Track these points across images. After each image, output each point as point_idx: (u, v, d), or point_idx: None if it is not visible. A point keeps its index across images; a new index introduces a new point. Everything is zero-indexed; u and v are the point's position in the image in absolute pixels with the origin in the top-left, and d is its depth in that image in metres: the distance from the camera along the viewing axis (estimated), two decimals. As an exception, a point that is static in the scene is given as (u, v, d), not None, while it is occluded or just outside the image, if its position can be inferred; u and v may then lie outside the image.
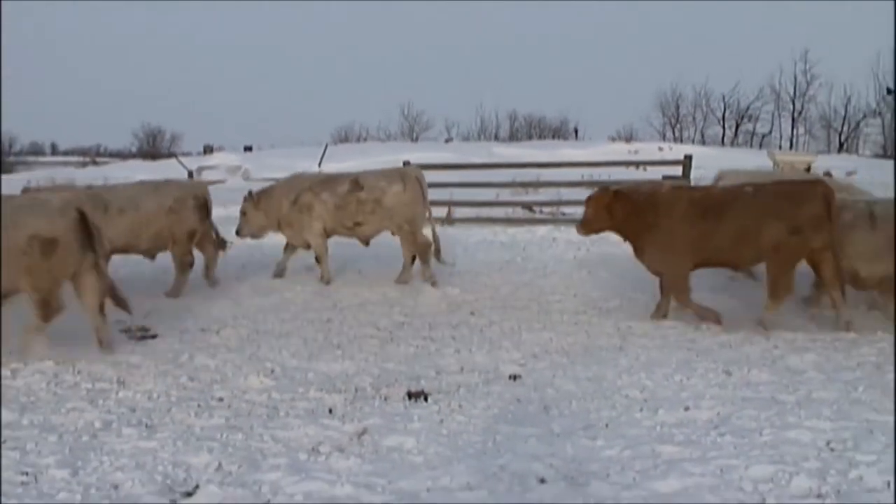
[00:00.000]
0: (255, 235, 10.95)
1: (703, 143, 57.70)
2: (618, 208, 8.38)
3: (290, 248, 10.80)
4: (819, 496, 4.16)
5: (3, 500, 4.20)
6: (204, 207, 9.99)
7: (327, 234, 10.51)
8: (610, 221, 8.46)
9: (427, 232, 10.41)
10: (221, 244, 10.51)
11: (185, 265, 9.83)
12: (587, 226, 8.63)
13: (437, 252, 10.35)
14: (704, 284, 8.87)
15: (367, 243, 10.66)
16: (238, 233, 10.88)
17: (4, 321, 6.89)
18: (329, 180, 10.67)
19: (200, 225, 9.94)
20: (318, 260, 10.51)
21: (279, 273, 10.64)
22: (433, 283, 9.99)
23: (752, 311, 8.15)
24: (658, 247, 8.26)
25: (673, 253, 8.17)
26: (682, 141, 58.66)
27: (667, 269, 8.31)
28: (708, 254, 8.14)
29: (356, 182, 10.32)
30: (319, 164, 28.36)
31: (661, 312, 8.35)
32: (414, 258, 10.34)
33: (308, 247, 10.61)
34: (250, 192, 10.86)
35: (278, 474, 4.50)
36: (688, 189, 9.40)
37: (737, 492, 4.22)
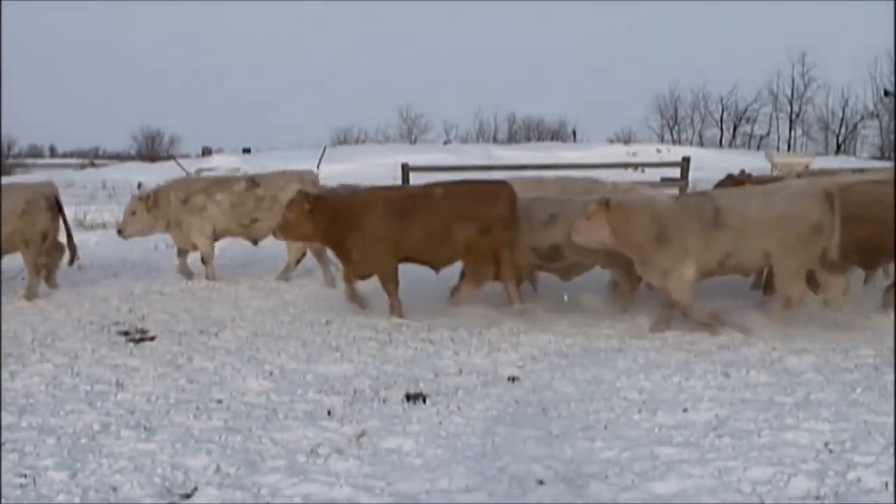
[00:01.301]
0: (137, 236, 10.96)
1: (702, 144, 57.80)
2: (318, 214, 8.41)
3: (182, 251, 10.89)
4: (817, 498, 4.17)
5: (3, 501, 4.20)
6: (55, 208, 9.90)
7: (219, 235, 10.78)
8: (312, 227, 8.48)
9: None
10: (73, 251, 10.20)
11: (38, 267, 9.77)
12: (287, 231, 8.65)
13: None
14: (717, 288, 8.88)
15: (256, 243, 10.96)
16: (120, 232, 10.81)
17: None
18: (223, 181, 11.00)
19: (52, 225, 9.88)
20: (203, 261, 10.69)
21: (183, 272, 10.76)
22: (332, 285, 10.17)
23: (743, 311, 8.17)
24: (362, 248, 8.40)
25: (376, 253, 8.37)
26: (680, 143, 58.77)
27: (373, 270, 8.53)
28: (408, 253, 8.51)
29: (252, 181, 10.63)
30: (318, 166, 28.33)
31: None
32: (299, 260, 10.70)
33: (195, 248, 10.73)
34: (141, 192, 10.87)
35: (277, 476, 4.51)
36: (385, 190, 9.50)
37: (735, 493, 4.23)
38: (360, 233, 8.38)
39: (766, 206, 7.74)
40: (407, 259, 8.66)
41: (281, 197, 10.24)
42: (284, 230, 8.62)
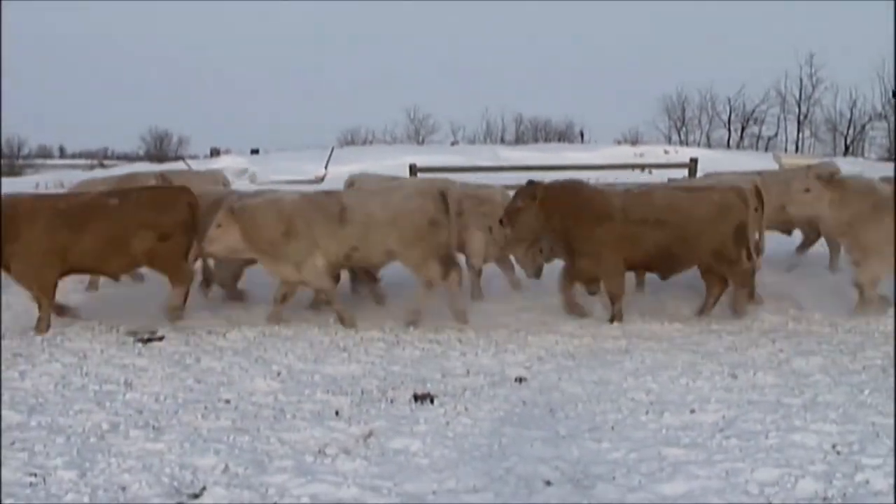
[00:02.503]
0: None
1: (709, 146, 57.57)
2: None
3: None
4: (825, 499, 4.17)
5: (13, 501, 4.22)
6: None
7: None
8: None
9: None
10: None
11: None
12: None
13: None
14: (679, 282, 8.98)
15: None
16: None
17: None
18: (130, 179, 10.76)
19: None
20: None
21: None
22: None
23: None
24: (23, 258, 8.02)
25: (36, 264, 8.03)
26: (687, 144, 58.49)
27: (30, 284, 8.15)
28: (74, 263, 8.24)
29: (163, 177, 10.51)
30: (326, 167, 28.38)
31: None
32: None
33: None
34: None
35: (285, 476, 4.52)
36: (51, 199, 9.07)
37: (742, 495, 4.23)
38: (19, 243, 7.95)
39: (385, 204, 8.30)
40: (74, 270, 8.44)
41: None
42: None
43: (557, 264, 9.16)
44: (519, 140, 65.37)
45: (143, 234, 8.21)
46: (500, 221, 8.66)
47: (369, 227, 8.18)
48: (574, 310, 8.63)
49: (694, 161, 15.49)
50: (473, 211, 9.49)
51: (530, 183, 8.55)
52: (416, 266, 8.31)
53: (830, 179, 8.35)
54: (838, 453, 4.72)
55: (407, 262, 8.35)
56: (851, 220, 8.27)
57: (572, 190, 8.59)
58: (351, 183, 10.66)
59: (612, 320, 8.32)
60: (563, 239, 8.51)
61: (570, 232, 8.38)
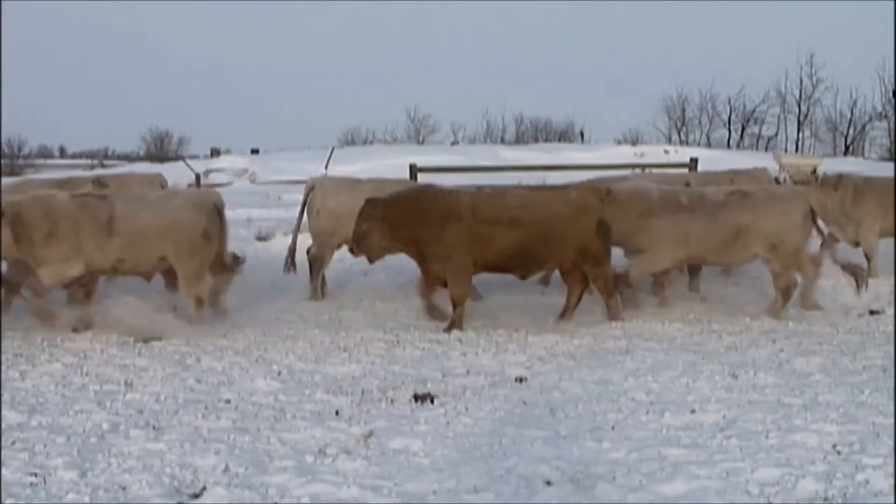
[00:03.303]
0: None
1: (709, 145, 57.45)
2: None
3: None
4: (825, 499, 4.16)
5: (13, 501, 4.22)
6: None
7: None
8: None
9: None
10: None
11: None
12: None
13: None
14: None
15: None
16: None
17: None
18: (68, 182, 10.60)
19: None
20: None
21: None
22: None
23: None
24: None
25: None
26: (687, 144, 58.42)
27: None
28: None
29: (100, 181, 10.39)
30: (326, 167, 28.32)
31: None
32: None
33: None
34: None
35: (285, 476, 4.52)
36: None
37: (743, 495, 4.23)
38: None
39: (158, 213, 8.16)
40: None
41: None
42: None
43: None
44: (519, 140, 65.27)
45: None
46: (351, 250, 8.49)
47: (137, 239, 8.03)
48: (433, 314, 8.57)
49: (694, 161, 15.50)
50: None
51: (369, 203, 8.36)
52: (188, 280, 8.18)
53: (608, 194, 8.71)
54: (839, 453, 4.72)
55: (181, 272, 8.19)
56: (623, 230, 8.57)
57: (414, 196, 8.48)
58: (311, 187, 10.30)
59: (448, 329, 8.12)
60: (413, 246, 8.32)
61: (418, 237, 8.20)
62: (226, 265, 8.63)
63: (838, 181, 10.57)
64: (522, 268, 8.53)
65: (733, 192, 8.97)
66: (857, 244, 10.58)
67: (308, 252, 9.83)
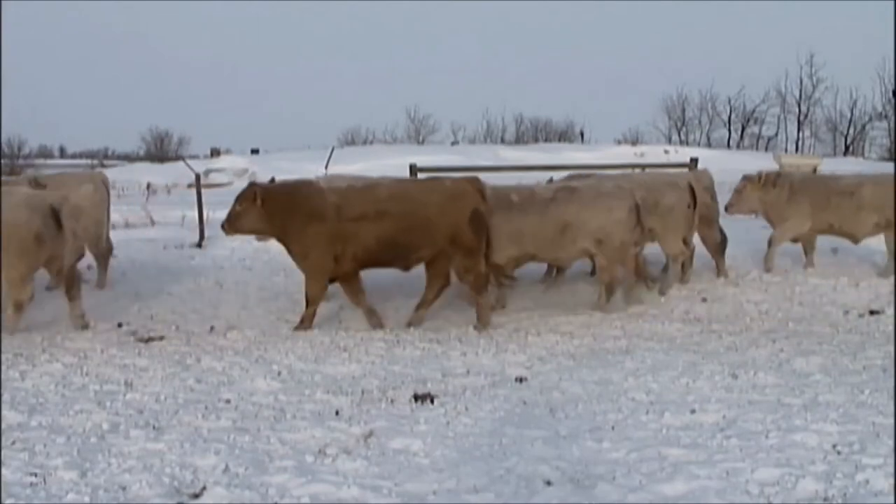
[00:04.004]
0: None
1: (709, 145, 57.52)
2: None
3: None
4: (825, 499, 4.16)
5: (13, 501, 4.22)
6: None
7: None
8: None
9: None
10: None
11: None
12: None
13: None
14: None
15: None
16: None
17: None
18: (5, 183, 10.54)
19: None
20: None
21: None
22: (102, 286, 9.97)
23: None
24: None
25: None
26: (687, 144, 58.46)
27: None
28: None
29: (37, 181, 10.18)
30: (326, 167, 28.32)
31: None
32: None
33: None
34: None
35: (285, 476, 4.52)
36: None
37: (743, 495, 4.22)
38: None
39: None
40: None
41: (71, 198, 9.53)
42: None
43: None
44: (519, 140, 65.31)
45: None
46: (222, 226, 8.56)
47: None
48: (372, 320, 8.54)
49: (694, 161, 15.45)
50: None
51: (251, 185, 8.48)
52: (13, 283, 7.84)
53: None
54: (839, 453, 4.72)
55: (4, 276, 7.86)
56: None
57: (290, 190, 8.50)
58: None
59: (297, 328, 8.23)
60: (280, 238, 8.44)
61: (285, 231, 8.32)
62: (71, 276, 8.27)
63: (777, 179, 10.91)
64: (398, 260, 8.48)
65: (561, 189, 9.19)
66: (795, 240, 10.85)
67: None
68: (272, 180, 8.92)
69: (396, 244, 8.30)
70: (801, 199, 10.65)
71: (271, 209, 8.26)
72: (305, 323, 8.29)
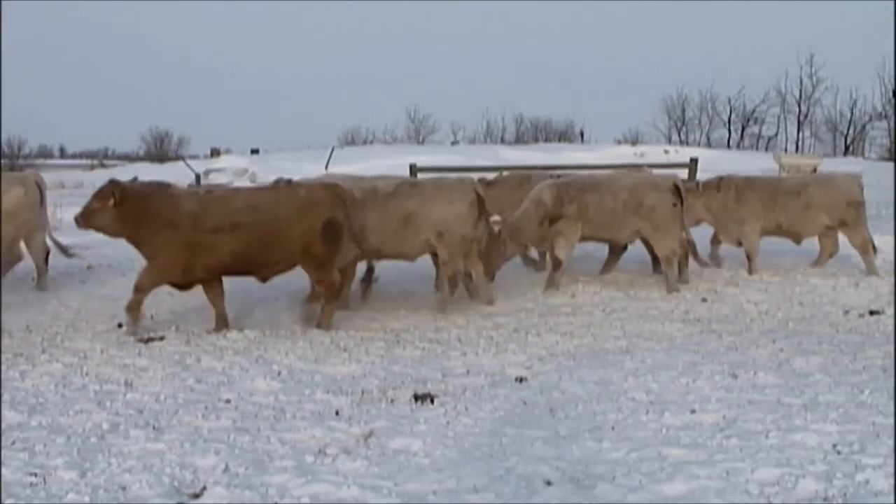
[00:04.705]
0: None
1: (709, 146, 57.59)
2: None
3: None
4: (825, 499, 4.16)
5: (13, 501, 4.22)
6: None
7: None
8: None
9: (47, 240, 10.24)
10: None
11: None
12: None
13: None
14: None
15: None
16: None
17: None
18: None
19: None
20: None
21: None
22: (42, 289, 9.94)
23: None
24: None
25: None
26: (687, 144, 58.52)
27: None
28: None
29: None
30: (326, 167, 28.32)
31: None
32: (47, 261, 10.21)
33: None
34: None
35: (285, 476, 4.52)
36: None
37: (743, 495, 4.22)
38: None
39: None
40: None
41: (3, 200, 9.62)
42: None
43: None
44: (519, 140, 65.37)
45: None
46: (76, 219, 8.21)
47: None
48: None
49: (694, 161, 15.49)
50: None
51: (111, 182, 8.11)
52: None
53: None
54: (839, 453, 4.72)
55: None
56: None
57: (146, 193, 8.12)
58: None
59: (128, 311, 7.98)
60: (132, 240, 8.13)
61: (138, 234, 8.00)
62: None
63: (720, 183, 10.97)
64: (254, 273, 8.25)
65: (402, 183, 9.30)
66: (739, 244, 10.93)
67: None
68: (134, 180, 8.54)
69: (250, 259, 8.02)
70: (750, 198, 10.77)
71: (124, 212, 7.92)
72: (133, 311, 7.98)
